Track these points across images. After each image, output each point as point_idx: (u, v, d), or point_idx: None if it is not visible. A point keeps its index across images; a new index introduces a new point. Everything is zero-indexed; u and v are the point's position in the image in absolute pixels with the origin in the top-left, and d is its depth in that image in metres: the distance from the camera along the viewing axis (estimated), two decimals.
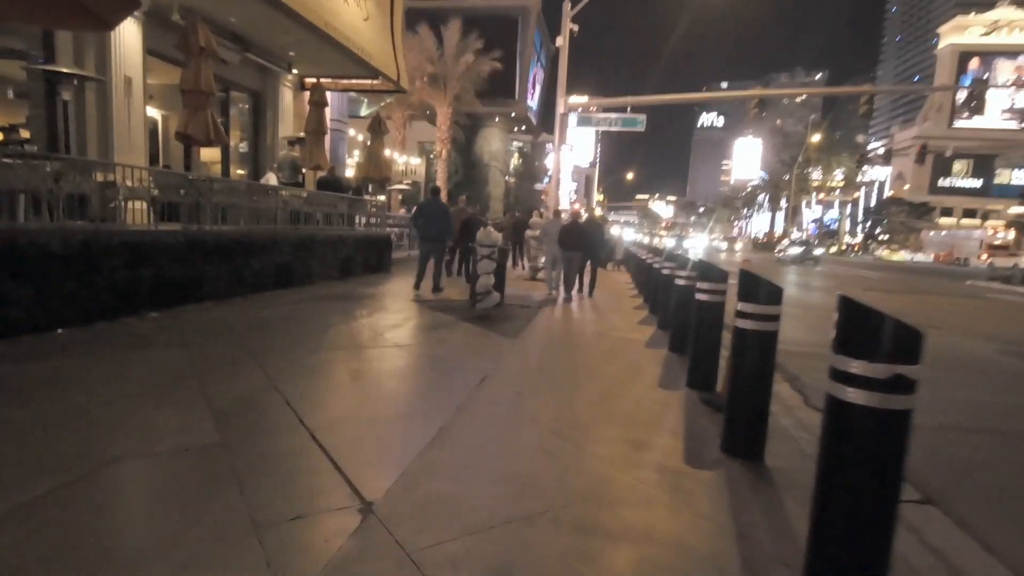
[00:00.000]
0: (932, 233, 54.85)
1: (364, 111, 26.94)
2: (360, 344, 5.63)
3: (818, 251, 36.87)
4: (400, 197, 21.84)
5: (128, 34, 8.51)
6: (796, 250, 34.91)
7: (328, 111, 14.67)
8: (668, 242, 40.57)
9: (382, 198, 21.58)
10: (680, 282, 5.92)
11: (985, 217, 62.03)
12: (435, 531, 2.31)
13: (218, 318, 6.34)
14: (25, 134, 7.78)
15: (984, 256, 43.34)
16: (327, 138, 14.48)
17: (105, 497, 2.43)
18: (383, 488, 2.63)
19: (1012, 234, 47.63)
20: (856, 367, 1.83)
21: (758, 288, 3.30)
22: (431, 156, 29.23)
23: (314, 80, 11.59)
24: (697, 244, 51.25)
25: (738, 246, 66.16)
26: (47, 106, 7.81)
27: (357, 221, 12.03)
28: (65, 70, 7.42)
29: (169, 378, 4.10)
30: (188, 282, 6.66)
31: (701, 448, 3.48)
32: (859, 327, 1.86)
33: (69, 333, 5.15)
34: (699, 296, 4.72)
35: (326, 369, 4.67)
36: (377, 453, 3.08)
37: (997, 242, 45.78)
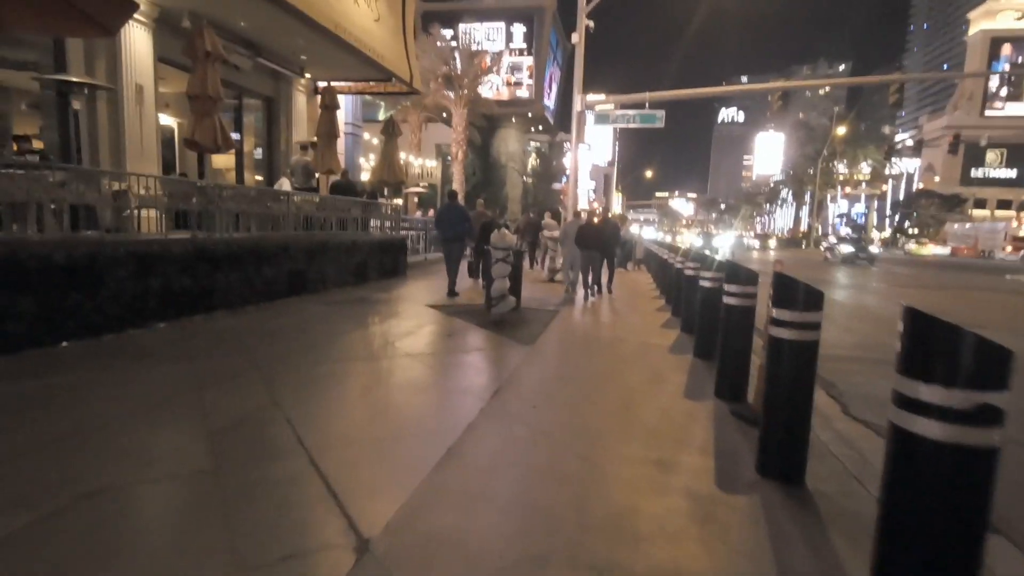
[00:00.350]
0: (956, 226, 53.20)
1: (382, 115, 26.92)
2: (369, 354, 5.43)
3: (875, 249, 30.69)
4: (417, 200, 21.73)
5: (138, 42, 8.46)
6: (847, 248, 29.57)
7: (341, 115, 14.62)
8: (694, 240, 37.76)
9: (399, 202, 21.54)
10: (706, 284, 5.60)
11: (1022, 208, 59.92)
12: (436, 574, 2.06)
13: (227, 328, 6.19)
14: (39, 144, 7.77)
15: (1008, 248, 42.38)
16: (341, 142, 14.42)
17: (77, 535, 2.23)
18: (382, 521, 2.39)
19: None
20: (929, 393, 1.53)
21: (795, 293, 3.00)
22: (447, 159, 29.11)
23: (325, 84, 11.44)
24: (725, 242, 46.45)
25: (772, 243, 59.02)
26: (59, 116, 7.78)
27: (372, 225, 11.89)
28: (75, 79, 7.37)
29: (169, 394, 3.93)
30: (198, 292, 6.53)
31: (734, 468, 3.18)
32: (931, 344, 1.56)
33: (73, 347, 5.03)
34: (727, 299, 4.40)
35: (332, 382, 4.47)
36: (379, 478, 2.84)
37: (1022, 234, 44.66)
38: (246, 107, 11.88)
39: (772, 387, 3.09)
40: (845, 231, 50.22)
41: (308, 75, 12.48)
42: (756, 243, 56.75)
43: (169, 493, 2.60)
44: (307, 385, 4.30)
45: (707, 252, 6.58)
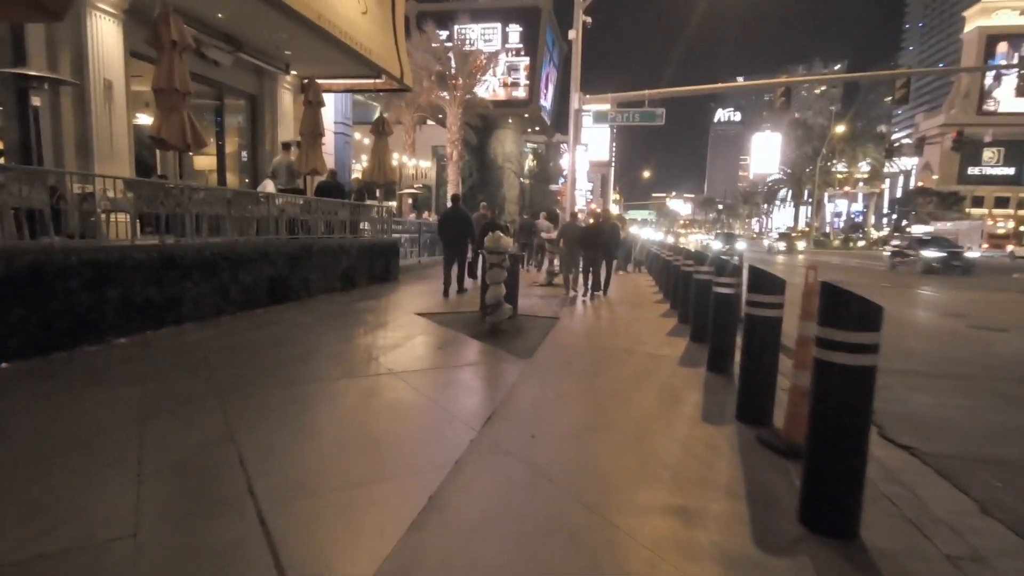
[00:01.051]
0: (939, 224, 53.90)
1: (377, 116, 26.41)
2: (348, 372, 4.88)
3: (973, 253, 22.24)
4: (411, 202, 21.18)
5: (106, 34, 7.92)
6: (934, 252, 21.13)
7: (331, 113, 14.10)
8: (710, 242, 29.82)
9: (393, 204, 20.98)
10: (722, 291, 5.07)
11: (1020, 206, 59.80)
12: None
13: (194, 343, 5.64)
14: None
15: (985, 245, 43.44)
16: (331, 142, 13.88)
17: None
18: None
19: (1012, 224, 48.10)
20: None
21: (848, 308, 2.47)
22: (443, 161, 28.57)
23: (307, 79, 10.85)
24: (740, 244, 35.69)
25: (801, 244, 47.72)
26: (19, 114, 7.23)
27: (362, 228, 11.38)
28: (33, 73, 6.82)
29: (107, 427, 3.38)
30: (164, 302, 5.98)
31: (772, 518, 2.65)
32: None
33: (13, 368, 4.48)
34: (750, 310, 3.87)
35: (301, 408, 3.91)
36: (341, 543, 2.30)
37: (1000, 231, 46.11)
38: (228, 105, 11.32)
39: (819, 421, 2.56)
40: (919, 231, 40.60)
41: (294, 72, 11.93)
42: (781, 245, 43.59)
43: (72, 571, 2.06)
44: (272, 412, 3.76)
45: (730, 257, 5.96)
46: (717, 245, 26.49)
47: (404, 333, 6.53)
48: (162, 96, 6.46)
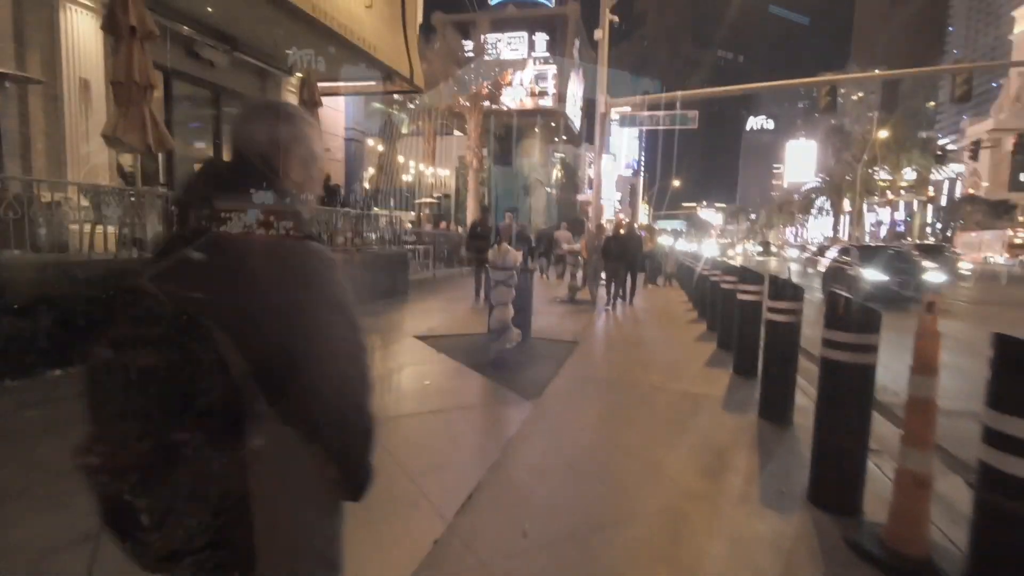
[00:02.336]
0: (964, 236, 52.04)
1: (405, 129, 25.71)
2: None
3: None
4: (427, 212, 20.39)
5: (82, 29, 7.25)
6: None
7: (340, 119, 13.40)
8: (866, 272, 12.81)
9: (412, 214, 20.23)
10: (777, 318, 3.98)
11: None
12: None
13: None
14: None
15: (1006, 255, 42.57)
16: (341, 148, 13.16)
17: None
18: None
19: None
20: None
21: None
22: (463, 170, 27.82)
23: (303, 76, 9.99)
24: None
25: (966, 266, 24.55)
26: None
27: (368, 239, 10.57)
28: None
29: None
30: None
31: None
32: None
33: None
34: (830, 353, 2.80)
35: None
36: None
37: (1018, 241, 44.84)
38: (225, 110, 10.64)
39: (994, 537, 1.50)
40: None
41: (299, 74, 11.21)
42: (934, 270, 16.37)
43: None
44: None
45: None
46: (871, 274, 12.37)
47: (393, 363, 5.58)
48: (120, 90, 5.70)
